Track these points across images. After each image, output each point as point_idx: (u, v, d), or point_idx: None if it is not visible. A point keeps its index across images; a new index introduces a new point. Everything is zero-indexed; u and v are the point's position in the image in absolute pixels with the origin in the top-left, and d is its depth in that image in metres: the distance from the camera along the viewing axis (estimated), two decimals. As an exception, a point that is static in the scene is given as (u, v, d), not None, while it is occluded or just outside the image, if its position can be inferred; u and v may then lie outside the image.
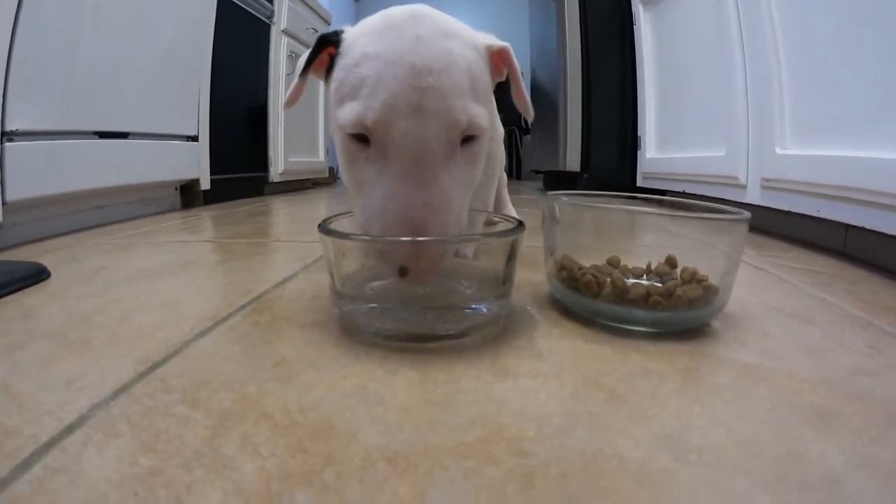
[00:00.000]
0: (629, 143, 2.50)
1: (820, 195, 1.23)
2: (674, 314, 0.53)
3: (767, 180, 1.44)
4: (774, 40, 1.43)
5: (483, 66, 0.56)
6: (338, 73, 0.54)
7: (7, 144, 1.25)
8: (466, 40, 0.54)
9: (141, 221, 1.61)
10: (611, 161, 2.56)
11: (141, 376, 0.43)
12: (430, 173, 0.49)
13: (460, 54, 0.52)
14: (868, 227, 1.08)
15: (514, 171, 5.20)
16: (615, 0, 2.55)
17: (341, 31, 0.57)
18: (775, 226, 1.52)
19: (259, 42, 2.64)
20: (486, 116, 0.53)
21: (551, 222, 0.61)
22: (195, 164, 2.00)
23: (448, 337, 0.50)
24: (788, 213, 1.38)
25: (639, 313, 0.53)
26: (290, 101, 0.61)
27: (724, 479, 0.29)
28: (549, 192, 0.64)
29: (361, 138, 0.50)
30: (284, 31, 2.81)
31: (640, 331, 0.54)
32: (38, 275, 0.79)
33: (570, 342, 0.51)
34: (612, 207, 0.62)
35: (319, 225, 0.53)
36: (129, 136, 1.66)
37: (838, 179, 1.15)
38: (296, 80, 0.59)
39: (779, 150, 1.39)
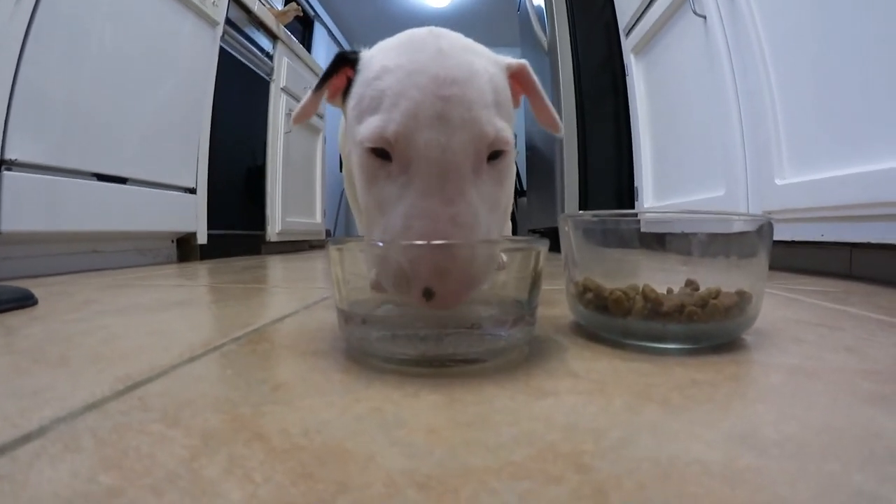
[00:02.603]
0: (626, 194, 2.50)
1: (823, 219, 1.25)
2: (710, 325, 0.50)
3: (769, 213, 1.44)
4: (767, 74, 1.46)
5: (505, 82, 0.53)
6: (357, 88, 0.51)
7: (6, 173, 1.25)
8: (487, 56, 0.53)
9: (136, 269, 1.57)
10: None
11: (118, 394, 0.38)
12: (456, 187, 0.45)
13: (483, 67, 0.50)
14: (874, 241, 1.10)
15: (512, 232, 5.17)
16: (607, 51, 2.59)
17: (359, 51, 0.54)
18: (778, 259, 1.52)
19: (258, 98, 2.65)
20: (511, 132, 0.50)
21: (570, 247, 0.58)
22: (192, 216, 1.98)
23: (468, 361, 0.45)
24: (791, 243, 1.40)
25: (674, 327, 0.50)
26: (301, 117, 0.58)
27: (816, 466, 0.27)
28: (568, 213, 0.60)
29: (382, 154, 0.47)
30: (283, 89, 2.84)
31: (673, 348, 0.51)
32: (24, 299, 0.77)
33: (607, 362, 0.47)
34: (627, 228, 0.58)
35: (329, 240, 0.49)
36: (128, 182, 1.66)
37: (841, 199, 1.16)
38: (309, 94, 0.56)
39: (778, 182, 1.41)
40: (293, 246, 3.12)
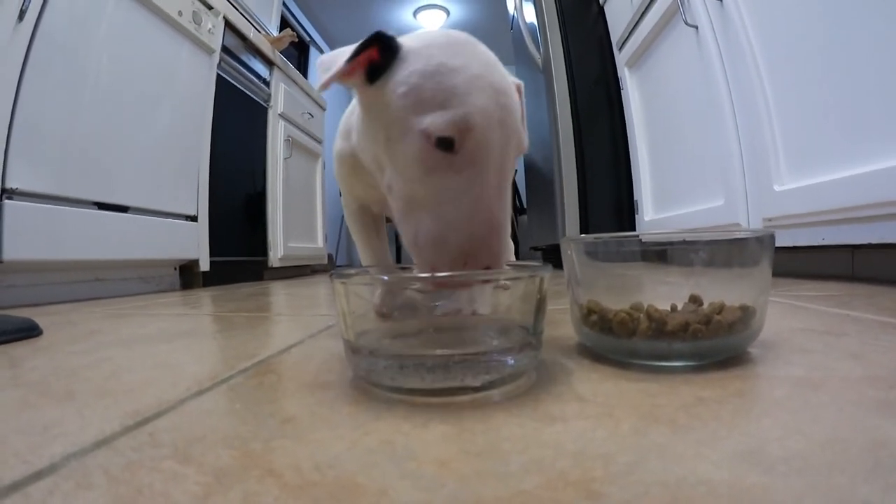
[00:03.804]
0: (626, 208, 2.52)
1: (823, 223, 1.26)
2: (715, 341, 0.50)
3: (769, 220, 1.45)
4: (760, 80, 1.46)
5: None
6: (410, 77, 0.52)
7: (6, 202, 1.27)
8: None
9: (139, 298, 1.58)
10: (610, 229, 2.53)
11: (127, 430, 0.38)
12: (505, 183, 0.53)
13: (511, 82, 0.56)
14: (876, 241, 1.11)
15: (514, 250, 5.17)
16: (601, 66, 2.61)
17: (397, 37, 0.56)
18: (780, 265, 1.51)
19: (257, 125, 2.67)
20: None
21: (573, 269, 0.58)
22: (194, 244, 1.99)
23: (476, 389, 0.45)
24: (793, 248, 1.40)
25: (679, 345, 0.50)
26: (329, 83, 0.55)
27: (822, 481, 0.27)
28: (570, 236, 0.61)
29: (445, 146, 0.50)
30: (281, 115, 2.86)
31: (679, 366, 0.51)
32: (29, 330, 0.78)
33: (613, 383, 0.46)
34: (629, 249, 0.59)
35: (331, 273, 0.49)
36: (129, 211, 1.68)
37: (841, 202, 1.17)
38: (342, 65, 0.53)
39: (777, 188, 1.41)
40: (296, 271, 3.12)
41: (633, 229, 2.43)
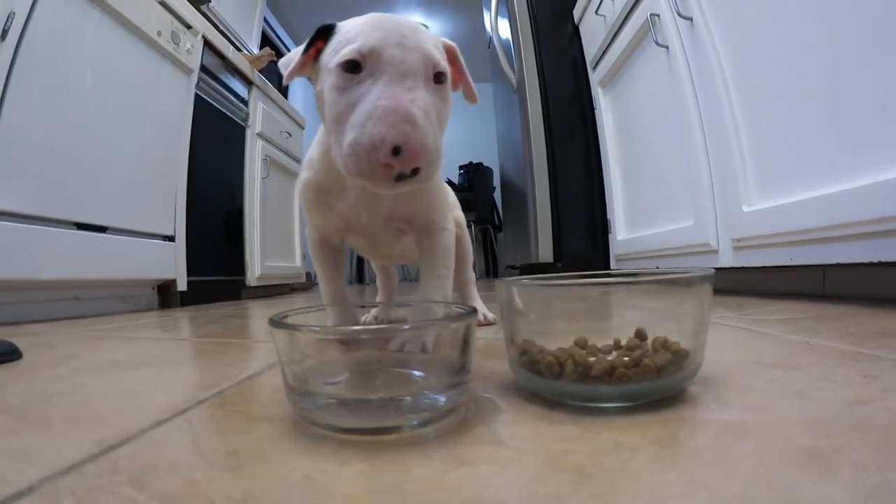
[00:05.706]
0: (600, 227, 2.56)
1: (792, 243, 1.26)
2: (643, 385, 0.49)
3: (738, 240, 1.46)
4: (729, 101, 1.48)
5: (442, 49, 0.72)
6: (334, 40, 0.68)
7: None
8: None
9: (117, 317, 1.62)
10: (583, 248, 2.58)
11: (93, 457, 0.44)
12: (413, 83, 0.62)
13: (428, 31, 0.70)
14: (845, 261, 1.10)
15: (491, 268, 5.24)
16: (575, 86, 2.66)
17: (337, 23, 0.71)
18: (752, 284, 1.55)
19: (234, 144, 2.71)
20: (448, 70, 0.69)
21: (509, 309, 0.59)
22: (172, 264, 2.03)
23: (405, 429, 0.48)
24: (763, 268, 1.40)
25: (605, 389, 0.50)
26: (291, 77, 0.72)
27: None
28: (505, 278, 0.63)
29: (353, 69, 0.62)
30: (259, 135, 2.90)
31: (610, 407, 0.50)
32: (10, 353, 0.83)
33: (535, 426, 0.47)
34: (567, 286, 0.60)
35: (271, 319, 0.53)
36: (107, 231, 1.71)
37: (810, 222, 1.17)
38: (298, 58, 0.71)
39: (746, 208, 1.42)
40: (273, 290, 3.15)
41: (607, 248, 2.49)
